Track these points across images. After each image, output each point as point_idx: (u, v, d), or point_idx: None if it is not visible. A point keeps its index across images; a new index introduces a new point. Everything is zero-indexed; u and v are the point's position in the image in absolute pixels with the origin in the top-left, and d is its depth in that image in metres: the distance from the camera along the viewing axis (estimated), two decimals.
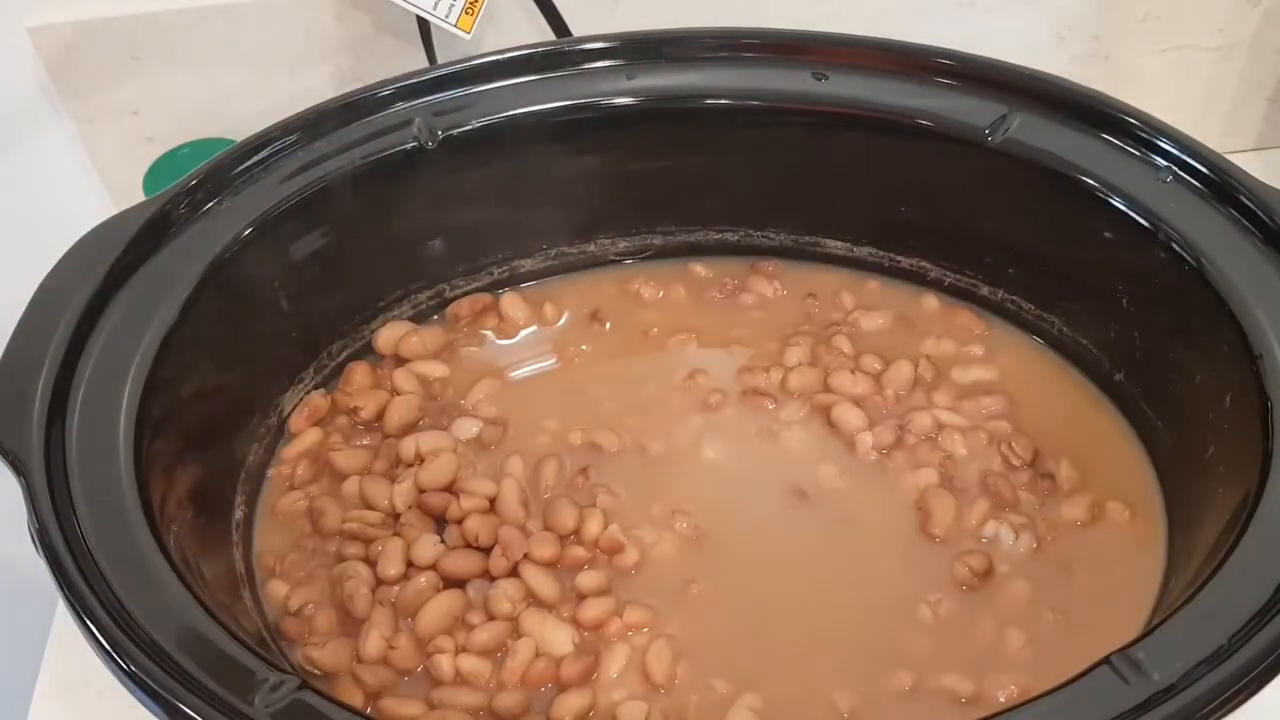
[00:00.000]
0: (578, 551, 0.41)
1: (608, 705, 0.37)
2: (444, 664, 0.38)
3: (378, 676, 0.38)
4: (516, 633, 0.39)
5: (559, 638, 0.39)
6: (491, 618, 0.39)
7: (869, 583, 0.41)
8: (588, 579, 0.40)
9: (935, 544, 0.42)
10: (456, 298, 0.51)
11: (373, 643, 0.39)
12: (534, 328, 0.51)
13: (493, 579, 0.41)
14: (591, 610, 0.40)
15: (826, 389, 0.47)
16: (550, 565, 0.41)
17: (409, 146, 0.46)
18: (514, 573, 0.41)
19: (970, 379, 0.48)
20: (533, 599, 0.40)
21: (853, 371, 0.48)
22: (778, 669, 0.39)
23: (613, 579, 0.41)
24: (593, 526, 0.42)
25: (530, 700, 0.38)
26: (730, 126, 0.49)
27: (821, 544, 0.43)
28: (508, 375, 0.49)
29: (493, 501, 0.43)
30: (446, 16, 0.54)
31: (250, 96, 0.57)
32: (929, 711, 0.37)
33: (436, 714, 0.37)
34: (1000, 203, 0.47)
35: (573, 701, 0.37)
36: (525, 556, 0.41)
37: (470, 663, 0.38)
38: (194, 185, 0.44)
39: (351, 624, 0.40)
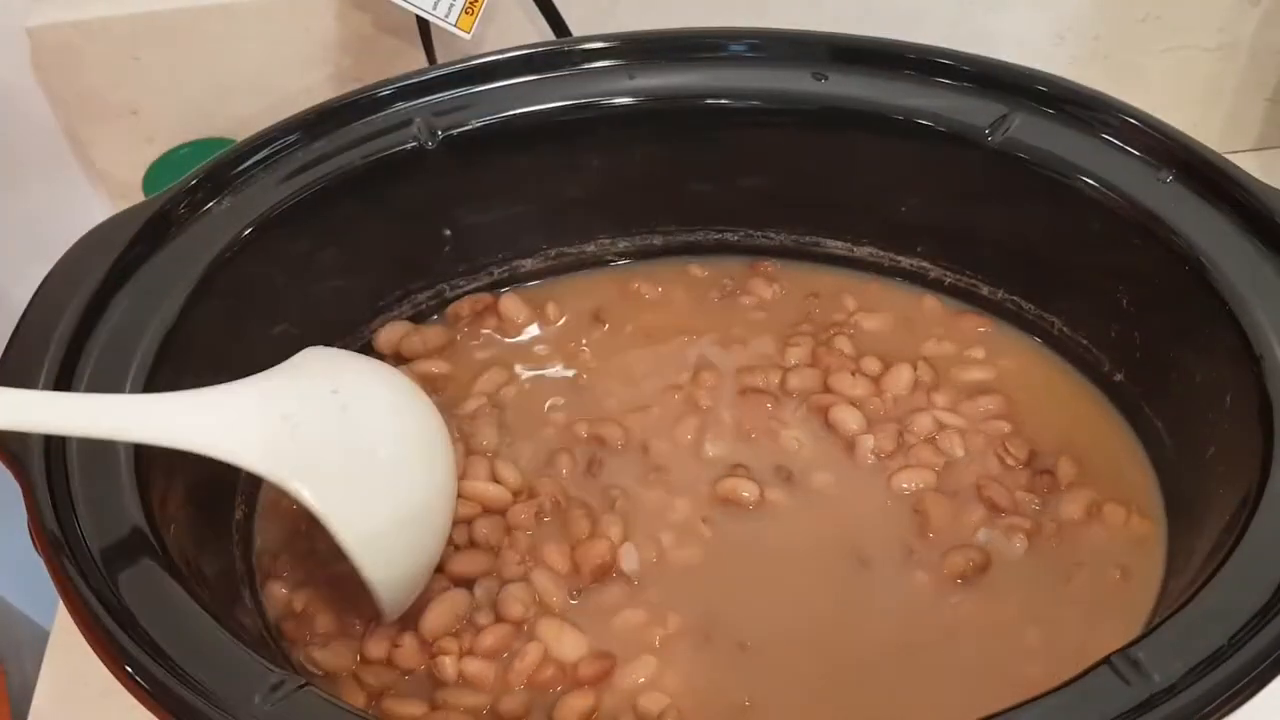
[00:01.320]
0: (592, 559, 0.41)
1: (611, 707, 0.37)
2: (448, 666, 0.38)
3: (380, 677, 0.38)
4: (525, 635, 0.39)
5: (572, 644, 0.39)
6: (500, 620, 0.39)
7: (874, 584, 0.41)
8: (608, 594, 0.40)
9: (932, 545, 0.42)
10: (457, 298, 0.51)
11: (376, 642, 0.39)
12: (535, 327, 0.51)
13: (503, 582, 0.41)
14: (615, 623, 0.40)
15: (826, 389, 0.47)
16: (562, 573, 0.41)
17: (409, 146, 0.46)
18: (524, 576, 0.41)
19: (969, 380, 0.48)
20: (542, 604, 0.40)
21: (853, 373, 0.48)
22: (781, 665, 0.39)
23: (629, 587, 0.41)
24: (601, 546, 0.41)
25: (533, 701, 0.37)
26: (730, 126, 0.49)
27: (823, 547, 0.43)
28: (510, 374, 0.49)
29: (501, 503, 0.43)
30: (446, 16, 0.54)
31: (250, 96, 0.57)
32: (928, 703, 0.37)
33: (439, 714, 0.37)
34: (1000, 203, 0.47)
35: (576, 702, 0.37)
36: (537, 562, 0.41)
37: (475, 666, 0.38)
38: (194, 185, 0.44)
39: (354, 624, 0.40)
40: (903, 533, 0.42)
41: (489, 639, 0.39)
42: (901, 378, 0.47)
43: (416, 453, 0.39)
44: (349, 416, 0.37)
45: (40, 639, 0.47)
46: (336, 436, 0.36)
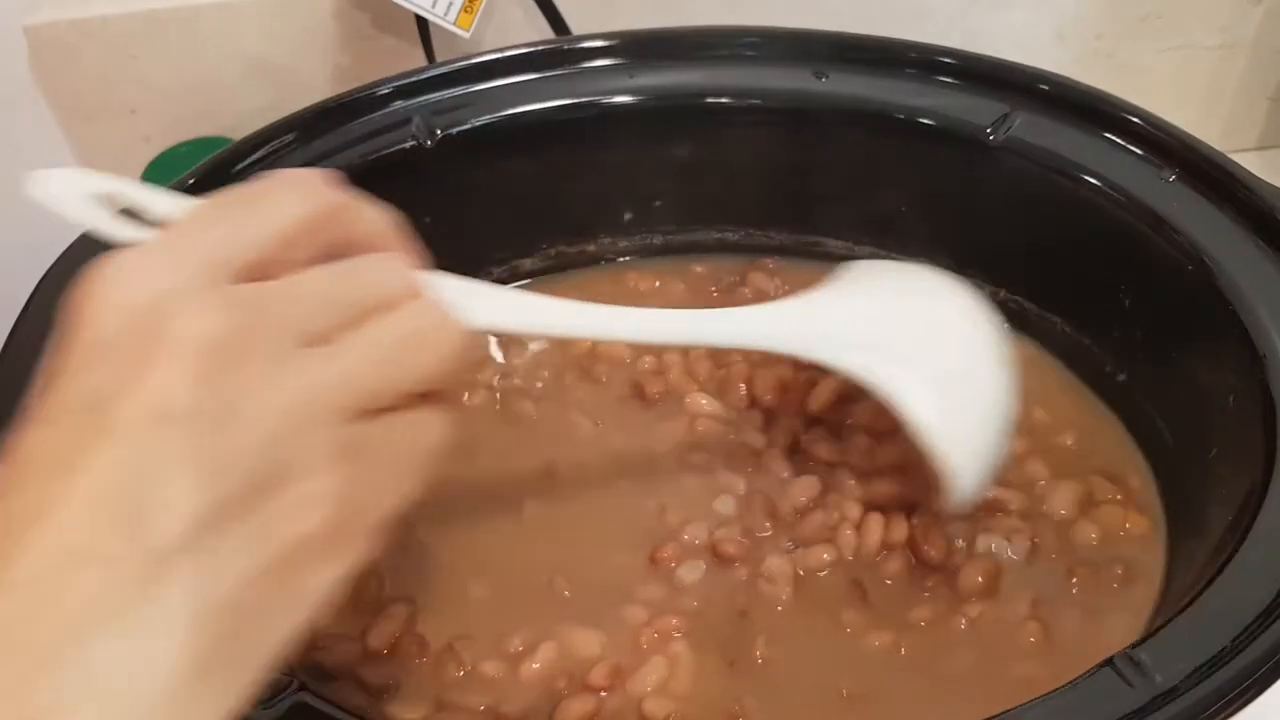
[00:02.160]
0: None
1: (611, 710, 0.37)
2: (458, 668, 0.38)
3: (381, 676, 0.38)
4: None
5: (588, 643, 0.38)
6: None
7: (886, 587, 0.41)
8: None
9: (930, 559, 0.41)
10: None
11: (385, 632, 0.38)
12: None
13: None
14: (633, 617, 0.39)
15: None
16: None
17: (408, 145, 0.46)
18: None
19: None
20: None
21: None
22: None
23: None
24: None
25: (534, 703, 0.37)
26: (730, 126, 0.49)
27: None
28: (511, 362, 0.49)
29: None
30: (445, 15, 0.54)
31: (248, 95, 0.57)
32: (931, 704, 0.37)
33: (444, 715, 0.37)
34: (1002, 202, 0.47)
35: (576, 707, 0.37)
36: None
37: (492, 667, 0.38)
38: (192, 184, 0.43)
39: (356, 624, 0.40)
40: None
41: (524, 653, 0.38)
42: None
43: (972, 338, 0.40)
44: (908, 308, 0.40)
45: None
46: (902, 327, 0.39)
